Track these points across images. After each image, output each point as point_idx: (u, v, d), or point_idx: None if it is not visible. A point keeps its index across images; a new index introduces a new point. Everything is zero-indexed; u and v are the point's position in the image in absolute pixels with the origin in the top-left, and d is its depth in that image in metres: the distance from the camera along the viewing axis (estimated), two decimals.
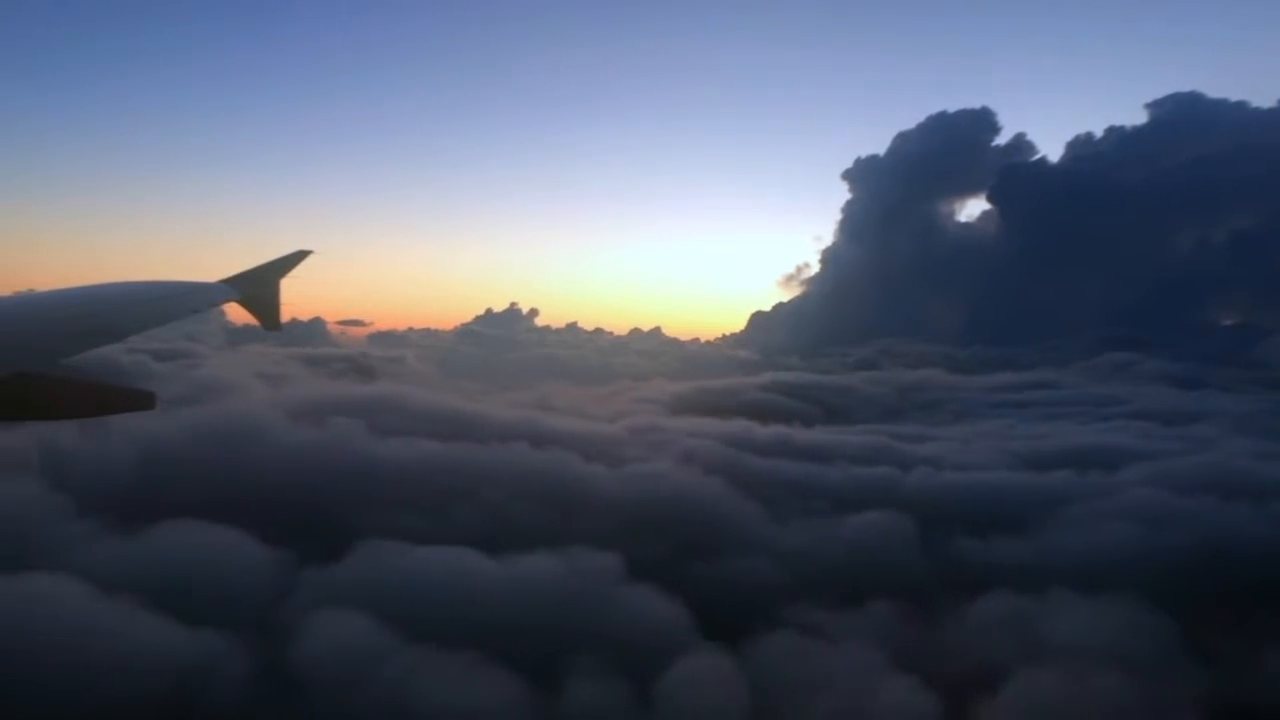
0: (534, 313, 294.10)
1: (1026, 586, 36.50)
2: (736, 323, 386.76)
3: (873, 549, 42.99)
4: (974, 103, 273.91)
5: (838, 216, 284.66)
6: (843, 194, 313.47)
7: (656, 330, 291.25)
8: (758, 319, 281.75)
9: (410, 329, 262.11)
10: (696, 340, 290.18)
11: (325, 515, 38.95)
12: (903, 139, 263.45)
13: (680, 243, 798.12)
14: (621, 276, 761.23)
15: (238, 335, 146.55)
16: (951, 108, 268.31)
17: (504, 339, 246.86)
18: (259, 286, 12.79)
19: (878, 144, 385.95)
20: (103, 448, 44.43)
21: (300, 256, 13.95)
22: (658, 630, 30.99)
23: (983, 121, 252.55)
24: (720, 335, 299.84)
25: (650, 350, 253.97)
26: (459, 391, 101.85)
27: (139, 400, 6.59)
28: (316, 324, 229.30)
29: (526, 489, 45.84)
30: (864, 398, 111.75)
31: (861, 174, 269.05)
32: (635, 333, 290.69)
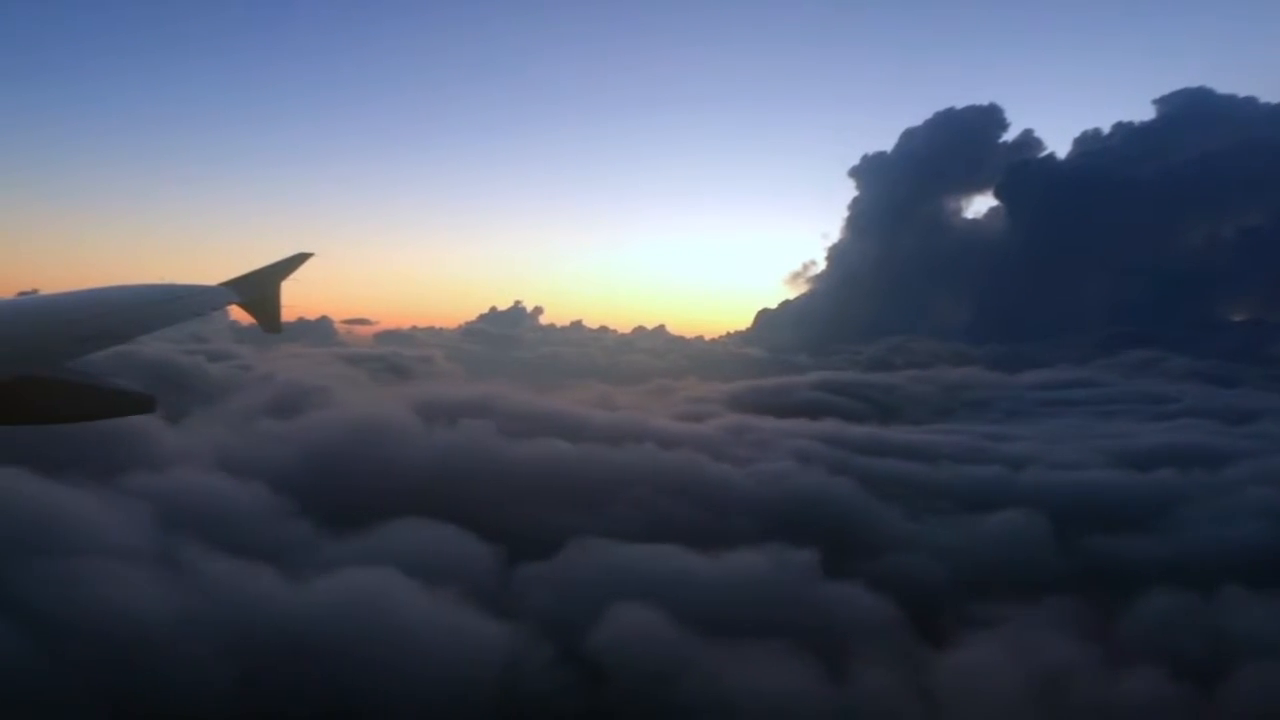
0: (538, 311, 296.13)
1: (1189, 583, 37.93)
2: (740, 320, 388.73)
3: (1018, 545, 45.00)
4: (981, 99, 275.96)
5: (844, 214, 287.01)
6: (850, 191, 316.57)
7: (661, 328, 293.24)
8: (764, 317, 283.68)
9: (414, 328, 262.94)
10: (701, 338, 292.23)
11: (514, 513, 40.89)
12: (910, 136, 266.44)
13: (681, 241, 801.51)
14: (623, 275, 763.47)
15: (244, 335, 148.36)
16: (958, 104, 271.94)
17: (509, 337, 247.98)
18: (259, 289, 12.80)
19: (884, 141, 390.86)
20: (277, 450, 46.17)
21: (300, 259, 14.01)
22: (876, 625, 32.90)
23: (991, 118, 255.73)
24: (725, 333, 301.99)
25: (657, 349, 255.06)
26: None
27: (140, 403, 6.95)
28: (323, 323, 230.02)
29: (677, 488, 47.84)
30: (911, 396, 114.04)
31: (869, 171, 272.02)
32: (639, 330, 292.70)
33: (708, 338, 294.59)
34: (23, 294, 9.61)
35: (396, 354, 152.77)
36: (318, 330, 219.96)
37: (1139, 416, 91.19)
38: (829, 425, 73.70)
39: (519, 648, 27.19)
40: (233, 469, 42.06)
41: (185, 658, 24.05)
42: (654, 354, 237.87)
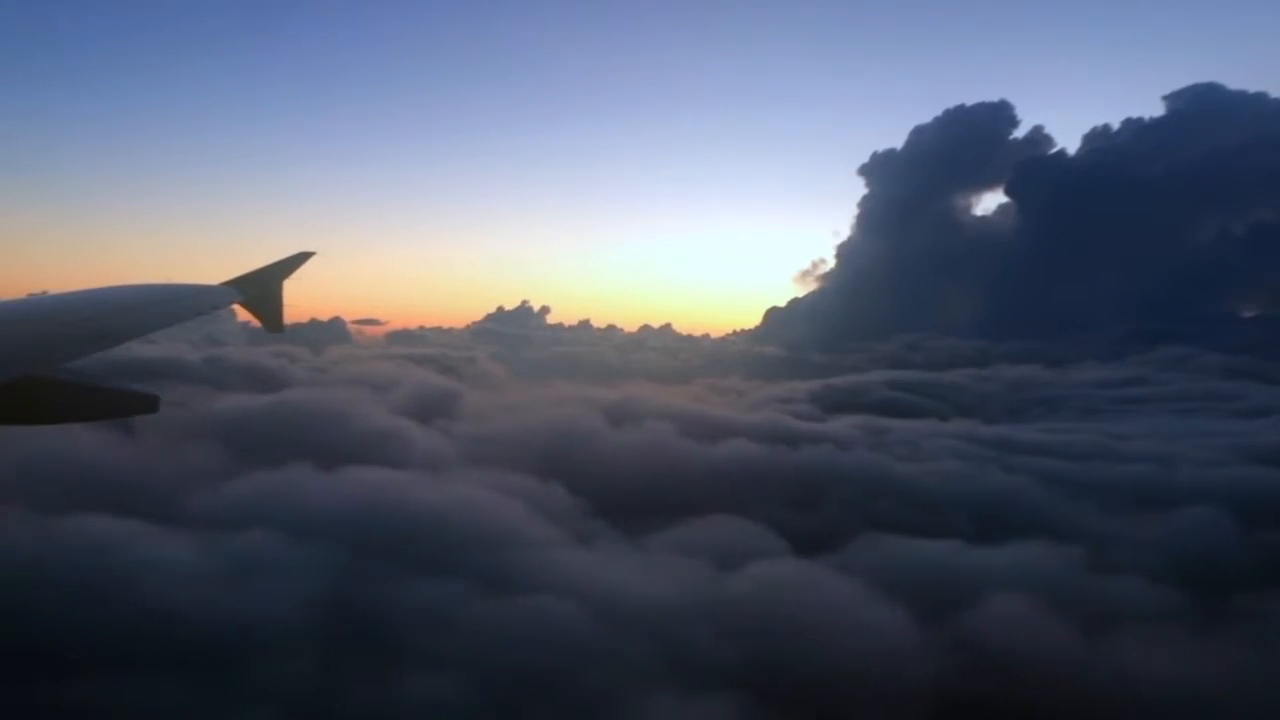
0: (545, 310, 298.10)
1: None
2: (743, 319, 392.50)
3: (1215, 543, 46.61)
4: (988, 96, 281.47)
5: (853, 212, 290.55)
6: (858, 189, 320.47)
7: (667, 327, 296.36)
8: (774, 314, 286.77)
9: (421, 328, 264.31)
10: (707, 336, 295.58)
11: (766, 510, 43.48)
12: (920, 133, 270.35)
13: (685, 240, 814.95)
14: (626, 274, 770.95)
15: (258, 336, 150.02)
16: (966, 101, 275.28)
17: (519, 337, 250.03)
18: (261, 288, 13.07)
19: (893, 139, 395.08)
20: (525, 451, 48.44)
21: (302, 258, 14.24)
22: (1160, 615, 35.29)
23: (1001, 114, 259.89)
24: (731, 331, 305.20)
25: (667, 347, 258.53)
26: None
27: (142, 403, 7.18)
28: (336, 324, 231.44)
29: (877, 488, 50.55)
30: (982, 395, 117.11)
31: (878, 169, 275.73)
32: (645, 329, 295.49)
33: (714, 336, 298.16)
34: (31, 296, 9.61)
35: (446, 354, 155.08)
36: (331, 331, 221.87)
37: (1216, 414, 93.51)
38: (963, 425, 76.37)
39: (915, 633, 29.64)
40: (521, 469, 44.31)
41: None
42: (667, 353, 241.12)
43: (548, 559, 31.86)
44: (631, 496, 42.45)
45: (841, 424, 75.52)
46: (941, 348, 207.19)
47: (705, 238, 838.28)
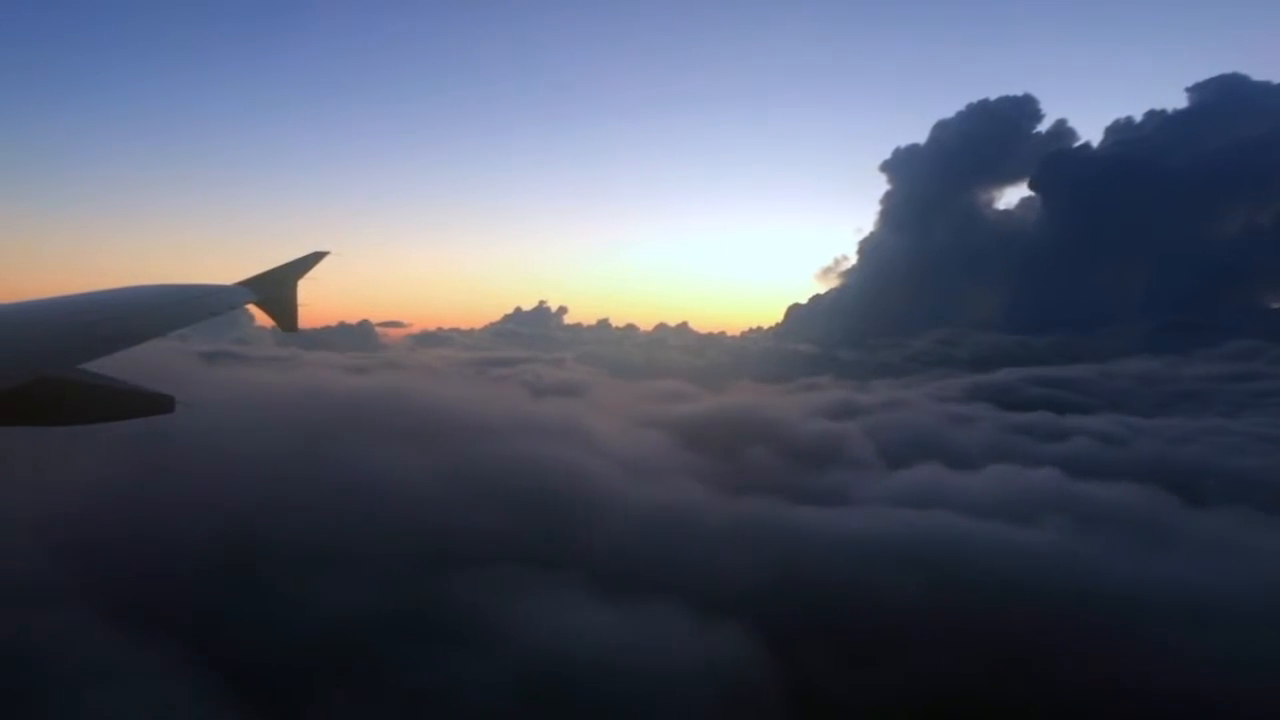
0: (562, 310, 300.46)
1: None
2: (760, 316, 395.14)
3: None
4: (1009, 89, 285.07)
5: (875, 208, 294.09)
6: (879, 186, 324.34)
7: (684, 325, 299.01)
8: (796, 311, 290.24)
9: (439, 329, 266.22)
10: (723, 334, 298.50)
11: None
12: (943, 128, 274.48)
13: (699, 239, 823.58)
14: (640, 273, 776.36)
15: (286, 338, 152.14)
16: (986, 94, 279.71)
17: (540, 337, 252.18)
18: (276, 288, 13.14)
19: (914, 134, 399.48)
20: None
21: (316, 258, 14.40)
22: None
23: (1025, 108, 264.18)
24: (748, 328, 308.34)
25: (690, 346, 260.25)
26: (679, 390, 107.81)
27: (158, 404, 7.29)
28: (364, 326, 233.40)
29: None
30: (1119, 390, 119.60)
31: (901, 164, 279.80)
32: (661, 328, 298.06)
33: (730, 334, 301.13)
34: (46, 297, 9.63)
35: (536, 357, 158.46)
36: (360, 334, 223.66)
37: None
38: (1169, 423, 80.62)
39: None
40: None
41: None
42: (691, 351, 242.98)
43: None
44: None
45: (1020, 421, 79.52)
46: (983, 343, 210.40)
47: (720, 236, 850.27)
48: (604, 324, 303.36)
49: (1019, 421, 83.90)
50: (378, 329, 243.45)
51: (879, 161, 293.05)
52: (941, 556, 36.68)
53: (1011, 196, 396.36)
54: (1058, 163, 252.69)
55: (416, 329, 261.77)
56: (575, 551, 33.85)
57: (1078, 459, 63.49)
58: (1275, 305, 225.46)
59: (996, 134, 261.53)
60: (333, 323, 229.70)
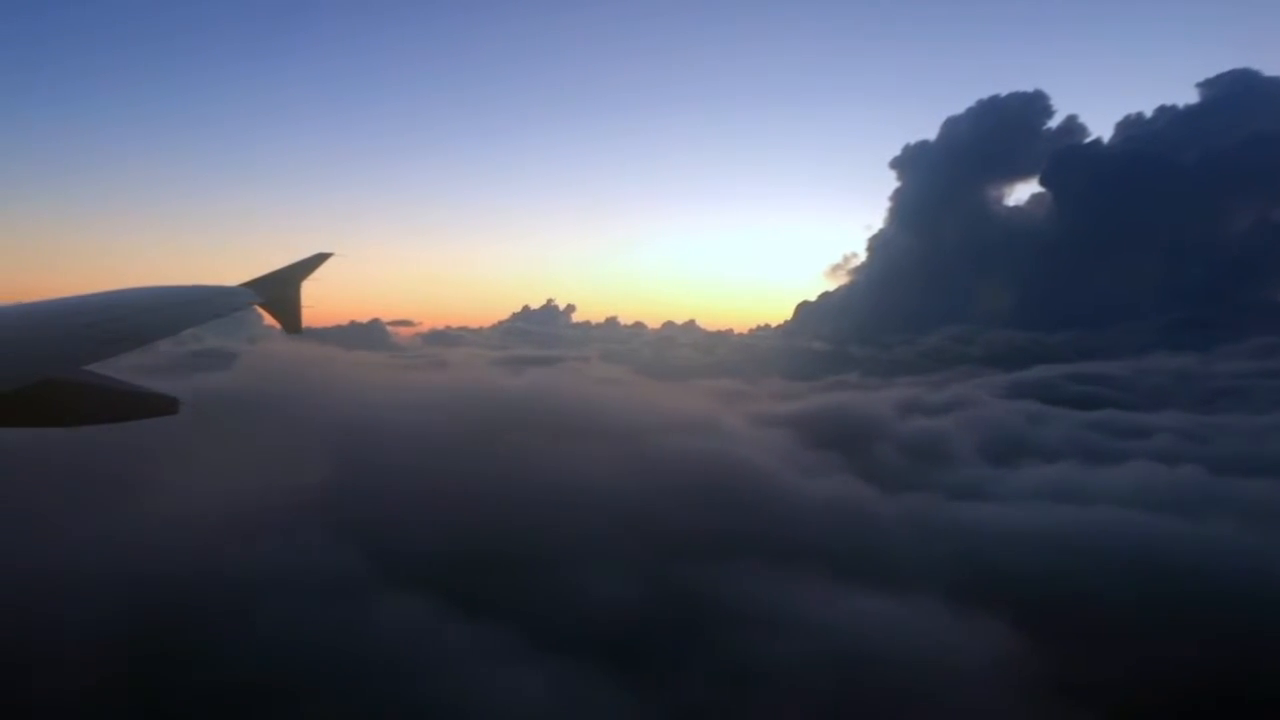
0: (570, 309, 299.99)
1: None
2: (767, 314, 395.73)
3: None
4: (1018, 85, 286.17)
5: (884, 205, 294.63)
6: (888, 183, 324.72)
7: (691, 323, 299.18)
8: (804, 309, 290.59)
9: (448, 328, 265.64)
10: (730, 331, 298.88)
11: None
12: (952, 124, 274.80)
13: (706, 237, 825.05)
14: (646, 271, 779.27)
15: (298, 337, 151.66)
16: (994, 90, 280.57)
17: (550, 335, 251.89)
18: (280, 289, 13.13)
19: (925, 131, 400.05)
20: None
21: (320, 259, 14.37)
22: None
23: (1036, 105, 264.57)
24: (755, 326, 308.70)
25: (700, 343, 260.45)
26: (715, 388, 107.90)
27: (163, 405, 7.32)
28: (375, 326, 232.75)
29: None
30: (1158, 387, 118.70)
31: (911, 161, 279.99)
32: (668, 326, 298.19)
33: (737, 332, 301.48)
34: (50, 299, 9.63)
35: (561, 356, 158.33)
36: (371, 333, 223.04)
37: None
38: (1239, 419, 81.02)
39: None
40: None
41: None
42: (701, 349, 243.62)
43: None
44: None
45: (1092, 419, 79.58)
46: (998, 340, 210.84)
47: (726, 234, 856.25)
48: (612, 322, 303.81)
49: (1089, 419, 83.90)
50: (388, 328, 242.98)
51: (889, 158, 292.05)
52: (1136, 552, 36.68)
53: (1022, 193, 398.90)
54: (1068, 159, 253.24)
55: (426, 328, 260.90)
56: (800, 543, 33.83)
57: (1174, 454, 63.69)
58: None
59: (1007, 130, 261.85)
60: (343, 322, 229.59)
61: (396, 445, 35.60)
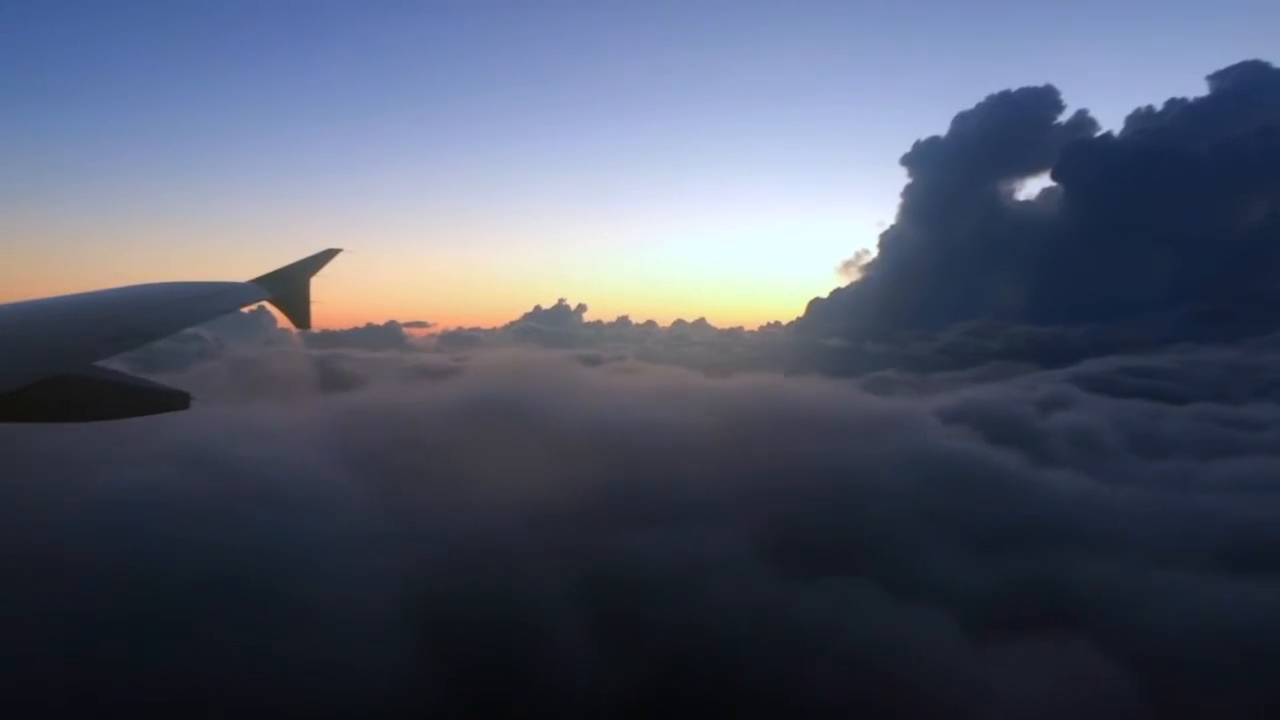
0: (582, 308, 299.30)
1: None
2: (777, 311, 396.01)
3: None
4: (1027, 80, 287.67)
5: (895, 202, 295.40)
6: (899, 179, 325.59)
7: (702, 321, 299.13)
8: (817, 305, 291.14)
9: (460, 328, 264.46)
10: (741, 329, 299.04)
11: None
12: (963, 120, 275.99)
13: (715, 235, 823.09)
14: (654, 270, 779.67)
15: (315, 340, 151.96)
16: (1004, 85, 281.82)
17: (563, 335, 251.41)
18: (289, 285, 13.13)
19: (935, 126, 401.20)
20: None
21: (329, 255, 14.44)
22: None
23: (1046, 99, 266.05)
24: (766, 323, 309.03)
25: (711, 341, 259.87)
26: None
27: (173, 400, 7.31)
28: (391, 327, 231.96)
29: None
30: (1217, 380, 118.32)
31: (921, 157, 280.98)
32: (679, 324, 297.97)
33: (747, 329, 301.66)
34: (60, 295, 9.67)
35: (596, 356, 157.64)
36: (387, 334, 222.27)
37: None
38: None
39: None
40: None
41: None
42: (714, 347, 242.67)
43: None
44: None
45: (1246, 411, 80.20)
46: (1017, 335, 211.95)
47: (736, 232, 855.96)
48: (624, 320, 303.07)
49: (1188, 413, 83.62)
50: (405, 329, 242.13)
51: (899, 155, 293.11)
52: None
53: (1033, 188, 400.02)
54: (1079, 153, 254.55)
55: (439, 329, 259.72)
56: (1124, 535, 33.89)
57: None
58: None
59: (1017, 125, 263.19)
60: (360, 324, 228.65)
61: (687, 446, 35.41)
